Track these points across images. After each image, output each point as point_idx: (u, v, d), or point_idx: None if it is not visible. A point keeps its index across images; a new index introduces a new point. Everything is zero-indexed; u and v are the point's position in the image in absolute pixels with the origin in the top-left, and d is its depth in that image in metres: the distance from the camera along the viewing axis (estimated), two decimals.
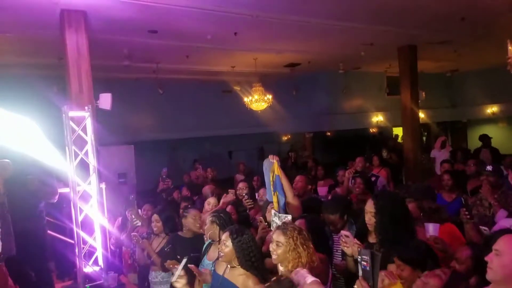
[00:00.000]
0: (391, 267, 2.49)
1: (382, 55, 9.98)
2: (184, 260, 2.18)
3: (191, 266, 2.92)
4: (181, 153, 11.12)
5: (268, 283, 2.29)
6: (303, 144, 14.13)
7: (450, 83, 15.30)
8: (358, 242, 2.65)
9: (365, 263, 2.42)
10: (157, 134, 11.36)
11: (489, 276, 1.87)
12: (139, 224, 4.54)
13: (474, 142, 14.26)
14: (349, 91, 12.53)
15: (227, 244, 2.69)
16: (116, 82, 9.53)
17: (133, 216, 4.58)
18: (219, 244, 2.89)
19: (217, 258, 2.90)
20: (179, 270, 2.14)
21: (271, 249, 2.56)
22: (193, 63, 9.32)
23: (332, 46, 8.84)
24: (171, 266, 3.33)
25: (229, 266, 2.76)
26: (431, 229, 2.96)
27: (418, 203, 3.47)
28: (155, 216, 4.04)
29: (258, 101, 9.99)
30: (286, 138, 15.48)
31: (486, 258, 1.89)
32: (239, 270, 2.67)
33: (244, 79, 11.41)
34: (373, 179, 5.78)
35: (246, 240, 2.69)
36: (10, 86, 8.43)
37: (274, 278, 2.31)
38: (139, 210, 4.80)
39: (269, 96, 10.16)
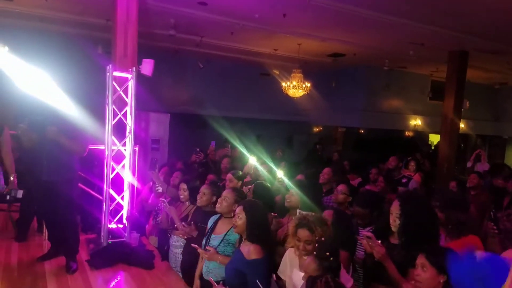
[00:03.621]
0: (412, 272, 2.39)
1: (431, 57, 9.64)
2: None
3: (194, 246, 3.05)
4: (210, 130, 11.19)
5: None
6: (334, 138, 13.92)
7: (495, 95, 14.67)
8: (380, 244, 2.58)
9: None
10: (190, 108, 11.43)
11: None
12: (160, 190, 4.57)
13: (511, 161, 13.67)
14: (389, 90, 12.20)
15: (240, 217, 2.84)
16: (157, 51, 9.61)
17: (155, 181, 4.62)
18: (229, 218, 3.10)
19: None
20: None
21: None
22: (236, 41, 9.26)
23: (381, 41, 8.59)
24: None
25: (243, 238, 2.88)
26: None
27: (446, 213, 3.31)
28: (183, 185, 4.11)
29: (296, 87, 9.85)
30: (317, 129, 15.27)
31: None
32: (248, 241, 2.83)
33: (284, 64, 11.27)
34: (404, 180, 5.64)
35: (259, 215, 2.85)
36: (55, 43, 8.64)
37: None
38: (160, 177, 4.82)
39: (308, 84, 10.00)
